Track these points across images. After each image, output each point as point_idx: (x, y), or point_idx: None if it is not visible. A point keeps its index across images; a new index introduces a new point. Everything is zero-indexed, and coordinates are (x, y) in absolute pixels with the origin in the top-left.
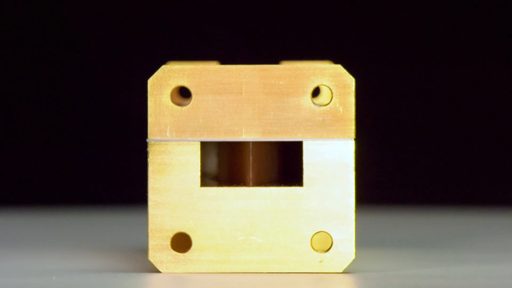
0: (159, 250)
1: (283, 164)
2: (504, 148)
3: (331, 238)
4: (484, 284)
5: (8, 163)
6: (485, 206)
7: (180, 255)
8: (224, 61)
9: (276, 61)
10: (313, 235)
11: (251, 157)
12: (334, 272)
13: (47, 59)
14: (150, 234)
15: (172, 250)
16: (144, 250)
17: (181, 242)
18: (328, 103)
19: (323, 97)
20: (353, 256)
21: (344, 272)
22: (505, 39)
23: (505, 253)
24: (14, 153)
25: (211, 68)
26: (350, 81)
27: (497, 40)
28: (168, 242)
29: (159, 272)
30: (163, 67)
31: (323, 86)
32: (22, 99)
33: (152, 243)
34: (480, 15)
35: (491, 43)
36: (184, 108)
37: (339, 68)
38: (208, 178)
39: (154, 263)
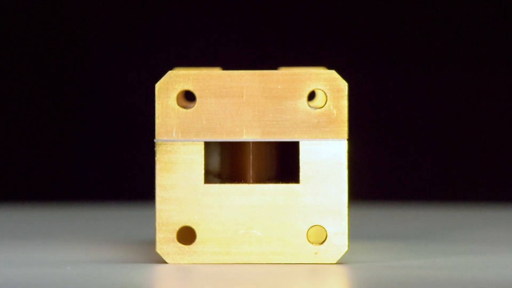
0: (166, 243)
1: (281, 163)
2: (490, 146)
3: (326, 231)
4: (472, 274)
5: (27, 162)
6: (471, 201)
7: (186, 247)
8: (226, 66)
9: (274, 67)
10: (309, 229)
11: (251, 156)
12: (328, 263)
13: (64, 70)
14: (157, 228)
15: (178, 243)
16: (152, 243)
17: (187, 235)
18: (323, 106)
19: (318, 100)
20: (346, 248)
21: (338, 263)
22: (488, 40)
23: (492, 245)
24: (33, 153)
25: (214, 73)
26: (343, 85)
27: (480, 42)
28: (174, 235)
29: (166, 263)
30: (170, 72)
31: (318, 90)
32: (46, 104)
33: (159, 236)
34: (465, 20)
35: (474, 46)
36: (189, 110)
37: (333, 74)
38: (211, 176)
39: (161, 255)
